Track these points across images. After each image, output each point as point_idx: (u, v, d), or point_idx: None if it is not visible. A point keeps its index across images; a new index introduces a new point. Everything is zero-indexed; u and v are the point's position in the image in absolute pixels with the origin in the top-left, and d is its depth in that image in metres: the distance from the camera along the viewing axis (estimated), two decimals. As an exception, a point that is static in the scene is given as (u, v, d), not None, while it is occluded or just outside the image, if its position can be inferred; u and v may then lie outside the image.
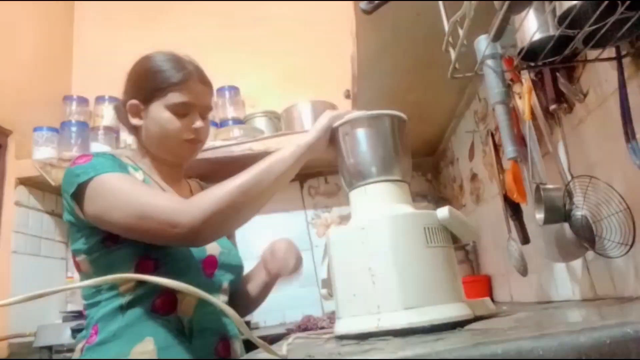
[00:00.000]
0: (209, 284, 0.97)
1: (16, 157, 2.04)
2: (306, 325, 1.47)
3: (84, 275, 0.94)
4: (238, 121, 2.34)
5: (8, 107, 2.02)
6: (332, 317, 1.39)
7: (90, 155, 0.92)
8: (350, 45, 1.37)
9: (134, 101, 1.00)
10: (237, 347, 0.99)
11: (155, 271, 0.88)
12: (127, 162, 0.98)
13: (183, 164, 1.07)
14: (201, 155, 1.89)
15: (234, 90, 2.48)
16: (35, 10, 2.34)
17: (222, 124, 2.31)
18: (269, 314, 2.16)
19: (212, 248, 0.99)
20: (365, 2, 0.98)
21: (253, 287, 1.15)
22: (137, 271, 0.87)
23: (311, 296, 2.15)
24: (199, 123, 0.99)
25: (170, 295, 0.90)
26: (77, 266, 0.95)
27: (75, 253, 0.94)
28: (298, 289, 2.24)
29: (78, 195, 0.87)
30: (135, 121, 1.01)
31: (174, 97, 0.97)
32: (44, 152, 2.10)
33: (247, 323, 1.95)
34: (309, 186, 2.43)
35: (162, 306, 0.89)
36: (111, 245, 0.90)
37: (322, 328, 1.39)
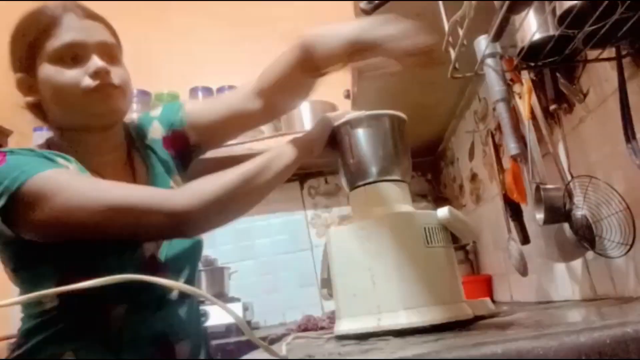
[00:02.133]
0: (145, 299, 0.81)
1: (16, 157, 2.04)
2: (306, 325, 1.47)
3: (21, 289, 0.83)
4: (238, 121, 2.34)
5: (8, 107, 2.02)
6: (332, 317, 1.38)
7: (2, 154, 0.76)
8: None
9: (19, 74, 0.83)
10: (188, 350, 0.86)
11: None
12: (49, 153, 0.80)
13: (107, 126, 0.85)
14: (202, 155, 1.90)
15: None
16: (35, 10, 2.34)
17: (222, 123, 2.31)
18: (269, 314, 2.17)
19: (149, 246, 0.83)
20: (365, 2, 0.98)
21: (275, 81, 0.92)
22: (57, 282, 0.71)
23: (311, 296, 2.15)
24: (96, 62, 0.79)
25: (96, 309, 0.78)
26: (15, 281, 0.83)
27: (8, 269, 0.82)
28: (298, 289, 2.24)
29: (9, 205, 0.71)
30: (30, 99, 0.84)
31: (53, 43, 0.79)
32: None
33: (248, 323, 1.95)
34: (309, 186, 2.43)
35: (87, 321, 0.78)
36: (31, 263, 0.78)
37: (322, 328, 1.39)
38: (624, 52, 0.74)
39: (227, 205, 0.77)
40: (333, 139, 0.84)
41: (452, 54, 0.79)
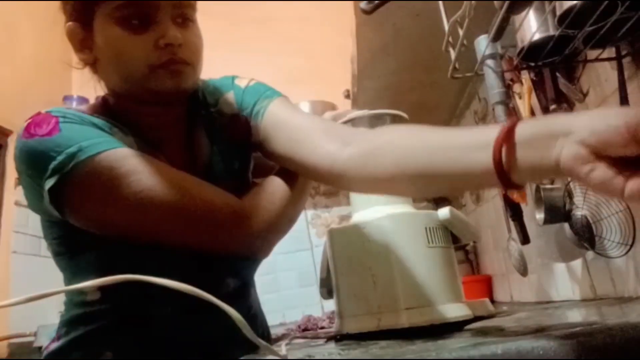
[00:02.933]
0: (207, 283, 0.66)
1: (16, 157, 2.04)
2: (306, 325, 1.47)
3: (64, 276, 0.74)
4: (238, 121, 2.34)
5: (8, 107, 2.02)
6: (332, 317, 1.38)
7: (54, 118, 0.64)
8: (350, 45, 1.37)
9: (70, 23, 0.68)
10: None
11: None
12: (105, 123, 0.68)
13: (172, 103, 0.72)
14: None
15: (234, 90, 2.48)
16: (36, 11, 2.34)
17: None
18: (269, 314, 2.16)
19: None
20: (365, 2, 0.98)
21: None
22: (101, 275, 0.58)
23: (311, 296, 2.15)
24: (171, 32, 0.65)
25: (140, 308, 0.69)
26: (55, 258, 0.74)
27: (50, 251, 0.74)
28: (298, 289, 2.24)
29: (61, 186, 0.60)
30: (82, 56, 0.70)
31: (109, 7, 0.64)
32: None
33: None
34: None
35: (131, 319, 0.70)
36: (76, 250, 0.70)
37: (322, 328, 1.39)
38: (624, 52, 0.74)
39: (285, 227, 0.71)
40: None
41: (452, 54, 0.79)
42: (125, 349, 0.69)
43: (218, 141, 0.78)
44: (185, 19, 0.69)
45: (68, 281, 0.71)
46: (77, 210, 0.63)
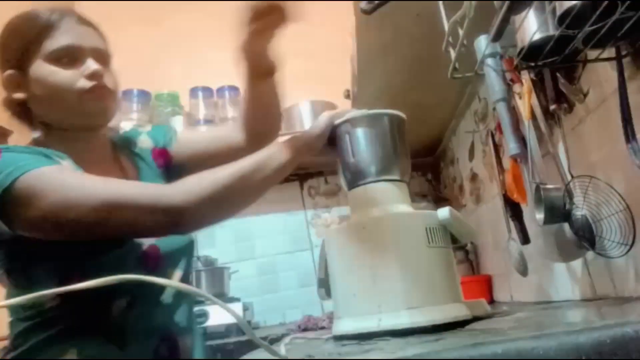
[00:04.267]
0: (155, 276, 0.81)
1: (16, 157, 2.04)
2: (306, 325, 1.47)
3: (8, 292, 0.81)
4: (238, 121, 2.34)
5: (8, 107, 2.02)
6: (332, 317, 1.39)
7: (7, 150, 0.76)
8: (350, 45, 1.37)
9: (9, 71, 0.83)
10: (190, 343, 0.87)
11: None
12: (44, 149, 0.80)
13: (98, 127, 0.88)
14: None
15: (234, 90, 2.48)
16: (35, 10, 2.35)
17: (222, 123, 2.32)
18: (269, 314, 2.17)
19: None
20: (365, 2, 0.98)
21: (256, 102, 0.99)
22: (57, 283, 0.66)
23: (311, 296, 2.15)
24: (91, 65, 0.83)
25: (97, 305, 0.77)
26: (10, 283, 0.81)
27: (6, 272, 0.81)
28: (298, 289, 2.24)
29: (4, 201, 0.71)
30: (18, 95, 0.84)
31: (51, 44, 0.82)
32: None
33: (248, 323, 1.95)
34: (309, 186, 2.43)
35: (88, 317, 0.78)
36: (28, 262, 0.78)
37: (322, 328, 1.39)
38: (624, 52, 0.74)
39: (222, 202, 0.76)
40: (333, 138, 0.84)
41: (452, 54, 0.79)
42: (88, 345, 0.77)
43: (145, 168, 0.95)
44: (104, 63, 0.87)
45: (16, 295, 0.74)
46: (17, 220, 0.73)
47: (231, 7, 0.96)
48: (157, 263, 0.84)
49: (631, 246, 0.75)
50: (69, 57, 0.83)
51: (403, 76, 1.48)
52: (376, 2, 0.97)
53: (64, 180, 0.73)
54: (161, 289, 0.84)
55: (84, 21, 0.87)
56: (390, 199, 0.77)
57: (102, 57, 0.87)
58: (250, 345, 1.07)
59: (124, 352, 0.78)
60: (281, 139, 0.92)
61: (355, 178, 0.79)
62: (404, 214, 0.73)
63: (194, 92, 2.39)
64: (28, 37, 0.83)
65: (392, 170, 0.79)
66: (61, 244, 0.76)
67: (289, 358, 0.57)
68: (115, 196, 0.73)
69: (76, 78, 0.82)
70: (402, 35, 1.25)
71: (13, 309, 0.82)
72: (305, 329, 1.45)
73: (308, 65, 2.53)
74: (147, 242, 0.83)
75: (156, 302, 0.84)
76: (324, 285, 0.78)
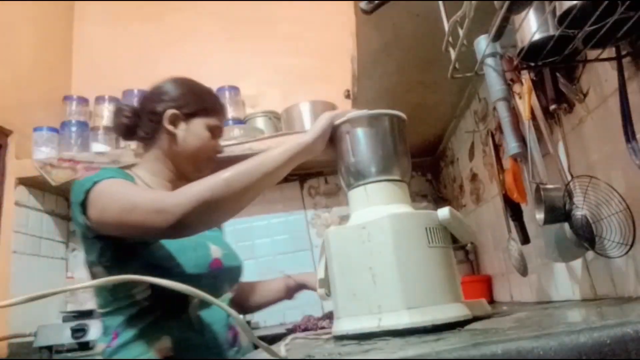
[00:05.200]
0: (214, 286, 1.04)
1: (16, 157, 2.04)
2: (306, 326, 1.47)
3: (101, 287, 1.00)
4: (238, 121, 2.35)
5: (8, 107, 2.02)
6: (332, 317, 1.39)
7: (99, 169, 0.99)
8: (350, 45, 1.37)
9: (175, 111, 1.08)
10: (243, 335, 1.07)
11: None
12: (133, 175, 1.04)
13: (193, 178, 1.08)
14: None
15: (234, 90, 2.48)
16: (35, 10, 2.35)
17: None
18: (269, 314, 2.16)
19: (215, 251, 1.05)
20: (365, 2, 0.98)
21: (262, 299, 1.34)
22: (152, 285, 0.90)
23: (311, 296, 2.14)
24: (220, 144, 1.13)
25: (180, 299, 0.96)
26: (93, 277, 0.99)
27: (90, 265, 0.99)
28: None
29: (85, 203, 0.91)
30: (171, 128, 1.07)
31: (215, 121, 1.10)
32: (44, 152, 2.10)
33: (247, 323, 1.95)
34: (309, 186, 2.43)
35: (173, 309, 0.96)
36: (123, 258, 0.95)
37: (322, 328, 1.39)
38: (624, 52, 0.74)
39: (215, 205, 0.83)
40: (333, 138, 0.85)
41: (452, 54, 0.79)
42: (176, 332, 0.95)
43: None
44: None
45: (97, 291, 1.01)
46: (89, 216, 0.90)
47: (231, 7, 0.95)
48: (219, 274, 1.04)
49: (631, 246, 0.75)
50: (216, 133, 1.11)
51: (403, 76, 1.48)
52: (376, 2, 0.97)
53: (113, 189, 0.91)
54: (218, 297, 1.04)
55: (225, 111, 1.19)
56: (390, 199, 0.76)
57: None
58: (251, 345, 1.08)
59: (204, 338, 0.97)
60: (282, 139, 0.93)
61: (356, 178, 0.79)
62: (404, 214, 0.73)
63: (194, 92, 2.39)
64: (207, 105, 1.11)
65: (392, 170, 0.79)
66: (140, 246, 0.94)
67: (289, 358, 0.57)
68: (131, 200, 0.87)
69: (214, 147, 1.11)
70: (402, 35, 1.25)
71: (106, 303, 0.99)
72: (305, 329, 1.45)
73: (308, 65, 2.54)
74: (213, 255, 1.04)
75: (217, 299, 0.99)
76: (324, 285, 0.78)
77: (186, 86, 1.14)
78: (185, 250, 0.99)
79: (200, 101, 1.11)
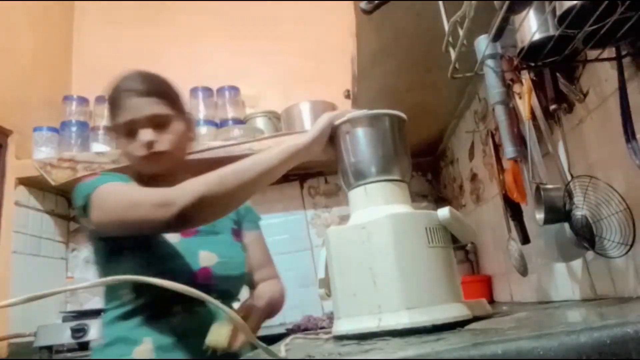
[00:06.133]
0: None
1: (16, 157, 2.04)
2: (306, 325, 1.47)
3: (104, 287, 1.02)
4: (238, 121, 2.35)
5: (8, 107, 2.02)
6: (332, 317, 1.39)
7: (99, 174, 0.99)
8: (350, 45, 1.37)
9: (107, 125, 1.09)
10: None
11: (149, 286, 0.90)
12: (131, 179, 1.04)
13: (167, 174, 1.03)
14: (201, 155, 1.90)
15: (234, 90, 2.48)
16: (35, 11, 2.34)
17: (222, 124, 2.32)
18: (269, 314, 2.16)
19: (207, 259, 1.01)
20: (365, 2, 0.98)
21: None
22: (135, 283, 0.93)
23: (311, 296, 2.14)
24: (144, 137, 0.98)
25: (165, 302, 0.96)
26: (99, 277, 1.03)
27: (94, 264, 1.03)
28: (298, 289, 2.24)
29: (87, 206, 0.92)
30: (114, 143, 1.08)
31: (118, 120, 1.01)
32: (44, 152, 2.10)
33: (247, 323, 1.94)
34: (309, 186, 2.43)
35: (158, 312, 0.96)
36: (113, 259, 0.97)
37: (322, 328, 1.39)
38: (624, 52, 0.74)
39: (212, 201, 0.84)
40: (333, 138, 0.85)
41: (452, 54, 0.79)
42: (158, 335, 0.94)
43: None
44: (161, 125, 1.01)
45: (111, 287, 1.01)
46: (92, 218, 0.91)
47: (231, 7, 0.96)
48: (208, 282, 1.00)
49: (631, 246, 0.74)
50: (131, 128, 0.99)
51: (403, 76, 1.48)
52: (376, 2, 0.97)
53: (113, 190, 0.92)
54: (205, 305, 0.99)
55: (138, 91, 1.00)
56: (391, 199, 0.76)
57: (159, 120, 1.00)
58: (250, 346, 1.08)
59: (185, 343, 0.95)
60: (281, 139, 0.93)
61: (356, 178, 0.79)
62: (404, 214, 0.73)
63: (194, 92, 2.39)
64: (110, 110, 1.03)
65: (393, 170, 0.79)
66: (132, 250, 0.95)
67: (289, 358, 0.57)
68: (131, 197, 0.88)
69: (136, 147, 0.99)
70: (402, 35, 1.25)
71: (104, 303, 1.01)
72: (305, 329, 1.45)
73: (308, 65, 2.54)
74: (201, 264, 1.00)
75: (199, 307, 0.99)
76: (325, 285, 0.78)
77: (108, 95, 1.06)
78: (171, 258, 0.98)
79: (109, 107, 1.04)
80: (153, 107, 1.01)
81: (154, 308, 0.96)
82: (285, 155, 0.86)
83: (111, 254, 0.97)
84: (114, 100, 1.02)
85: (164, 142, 1.00)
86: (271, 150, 0.87)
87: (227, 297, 1.07)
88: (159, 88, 1.04)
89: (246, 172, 0.85)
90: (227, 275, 1.05)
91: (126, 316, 0.97)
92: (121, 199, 0.90)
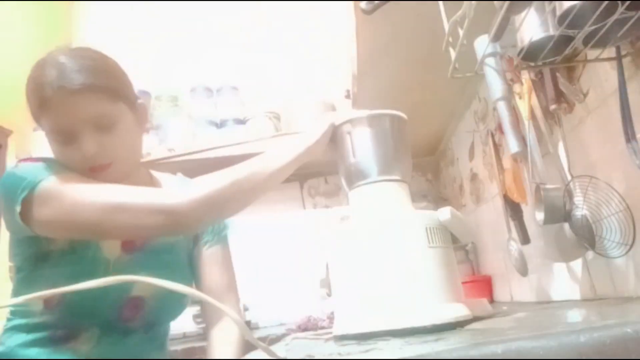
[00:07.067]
0: (120, 329, 0.86)
1: (16, 157, 2.04)
2: (306, 326, 1.47)
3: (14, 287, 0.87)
4: (238, 121, 2.35)
5: (8, 107, 2.02)
6: (332, 317, 1.39)
7: (37, 160, 0.83)
8: (350, 45, 1.37)
9: (36, 125, 0.88)
10: None
11: (60, 302, 0.80)
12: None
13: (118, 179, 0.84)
14: (201, 155, 1.90)
15: (234, 90, 2.48)
16: (35, 10, 2.34)
17: (222, 124, 2.32)
18: (268, 314, 2.16)
19: (142, 287, 0.85)
20: (365, 2, 0.98)
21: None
22: (45, 300, 0.79)
23: (311, 296, 2.15)
24: (85, 146, 0.79)
25: (78, 324, 0.82)
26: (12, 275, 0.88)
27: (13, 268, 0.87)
28: (298, 289, 2.24)
29: (26, 201, 0.76)
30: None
31: (44, 123, 0.81)
32: (44, 152, 2.09)
33: (247, 323, 1.95)
34: (309, 186, 2.43)
35: (66, 335, 0.82)
36: (38, 265, 0.83)
37: (322, 328, 1.39)
38: (624, 52, 0.74)
39: (219, 204, 0.79)
40: (333, 138, 0.85)
41: (452, 54, 0.79)
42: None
43: None
44: (103, 127, 0.81)
45: (18, 293, 0.83)
46: (36, 221, 0.78)
47: (231, 7, 0.95)
48: (136, 315, 0.87)
49: (631, 246, 0.74)
50: (65, 136, 0.80)
51: (403, 76, 1.47)
52: (376, 2, 0.97)
53: (74, 186, 0.78)
54: (126, 336, 0.87)
55: (70, 91, 0.78)
56: (391, 199, 0.77)
57: (100, 121, 0.81)
58: (251, 346, 1.07)
59: None
60: (282, 139, 0.93)
61: (356, 178, 0.79)
62: (404, 214, 0.73)
63: (194, 92, 2.39)
64: (31, 110, 0.83)
65: (393, 170, 0.79)
66: (53, 268, 0.81)
67: (289, 358, 0.57)
68: (119, 198, 0.77)
69: (77, 156, 0.80)
70: (402, 35, 1.25)
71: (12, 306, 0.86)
72: (305, 329, 1.45)
73: (308, 65, 2.54)
74: (133, 292, 0.86)
75: (124, 336, 0.87)
76: (325, 285, 0.78)
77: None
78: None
79: (29, 105, 0.84)
80: (92, 104, 0.79)
81: (63, 328, 0.81)
82: (293, 156, 0.83)
83: (37, 259, 0.83)
84: (36, 96, 0.79)
85: (110, 149, 0.82)
86: (278, 151, 0.84)
87: (153, 328, 0.92)
88: (97, 74, 0.82)
89: (258, 175, 0.80)
90: (163, 311, 0.92)
91: (30, 329, 0.82)
92: (95, 196, 0.76)
